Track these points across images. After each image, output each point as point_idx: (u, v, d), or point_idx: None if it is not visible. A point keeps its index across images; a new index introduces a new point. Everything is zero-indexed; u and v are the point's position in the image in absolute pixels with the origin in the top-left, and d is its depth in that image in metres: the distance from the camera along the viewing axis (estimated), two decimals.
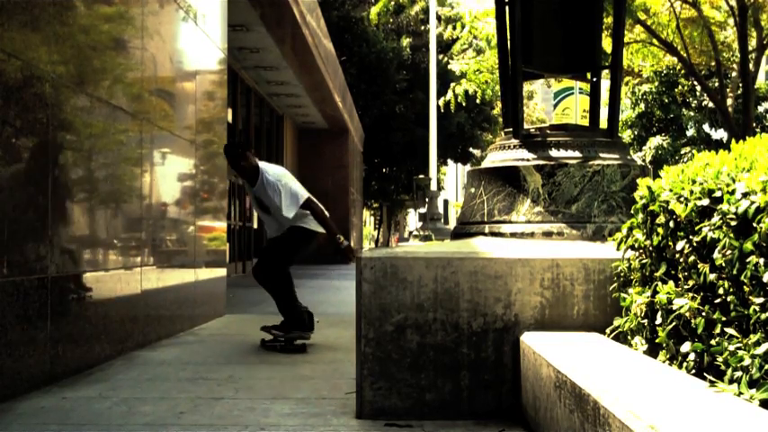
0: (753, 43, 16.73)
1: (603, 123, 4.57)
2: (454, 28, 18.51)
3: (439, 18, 27.30)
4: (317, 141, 21.75)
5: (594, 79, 4.50)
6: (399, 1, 14.42)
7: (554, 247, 3.45)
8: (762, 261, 2.03)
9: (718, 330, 2.21)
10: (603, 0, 4.97)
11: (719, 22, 17.81)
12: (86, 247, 4.56)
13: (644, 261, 2.78)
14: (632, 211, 2.89)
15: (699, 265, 2.34)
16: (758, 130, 18.83)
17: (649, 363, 2.40)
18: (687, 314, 2.33)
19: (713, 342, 2.21)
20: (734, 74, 19.99)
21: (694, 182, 2.45)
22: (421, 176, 23.83)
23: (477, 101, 18.33)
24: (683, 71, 21.01)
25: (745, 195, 2.15)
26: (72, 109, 4.29)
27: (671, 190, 2.56)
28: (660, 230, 2.61)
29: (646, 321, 2.67)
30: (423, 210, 22.42)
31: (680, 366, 2.36)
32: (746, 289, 2.10)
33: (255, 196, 5.37)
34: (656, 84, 23.10)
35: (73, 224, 4.38)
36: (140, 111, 5.34)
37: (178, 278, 6.23)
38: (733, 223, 2.17)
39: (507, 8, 4.28)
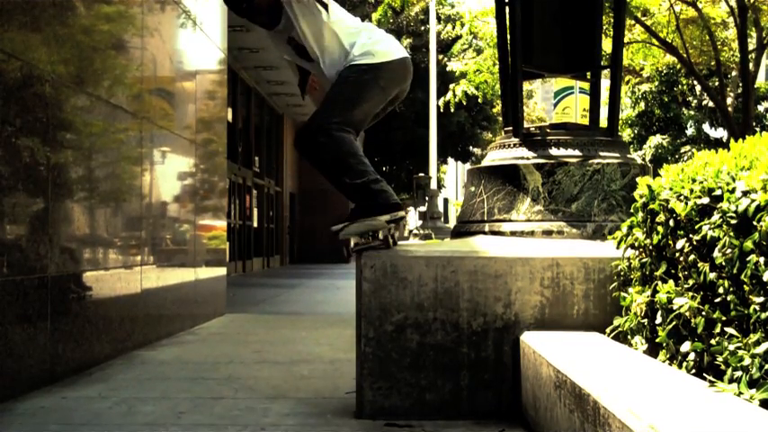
0: (753, 42, 16.73)
1: (603, 122, 4.57)
2: (453, 27, 18.52)
3: (439, 18, 27.28)
4: None
5: (594, 79, 4.51)
6: (396, 5, 14.42)
7: (554, 245, 3.45)
8: (762, 260, 2.03)
9: (718, 330, 2.21)
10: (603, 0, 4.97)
11: (719, 21, 17.81)
12: (86, 246, 4.56)
13: (644, 260, 2.77)
14: (632, 210, 2.89)
15: (699, 264, 2.34)
16: (758, 129, 18.83)
17: (649, 362, 2.40)
18: (687, 313, 2.33)
19: (713, 341, 2.20)
20: (734, 73, 19.99)
21: (694, 180, 2.45)
22: (421, 175, 23.82)
23: (480, 100, 18.34)
24: (683, 70, 21.01)
25: (745, 194, 2.14)
26: (72, 108, 4.29)
27: (671, 189, 2.56)
28: (660, 229, 2.61)
29: (646, 321, 2.67)
30: (423, 208, 22.43)
31: (680, 366, 2.36)
32: (746, 288, 2.09)
33: (291, 42, 3.54)
34: (656, 83, 23.13)
35: (73, 223, 4.37)
36: (140, 110, 5.34)
37: (178, 277, 6.23)
38: (733, 222, 2.17)
39: (507, 8, 4.28)
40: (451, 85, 17.60)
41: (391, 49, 3.51)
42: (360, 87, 3.41)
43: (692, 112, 23.90)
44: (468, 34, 18.24)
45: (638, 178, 2.95)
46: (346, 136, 3.34)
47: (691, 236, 2.40)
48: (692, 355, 2.29)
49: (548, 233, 3.72)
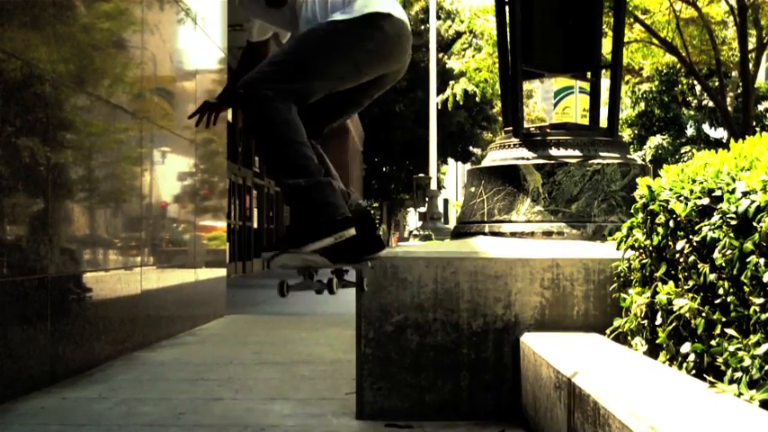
0: (753, 42, 16.73)
1: (603, 122, 4.57)
2: (452, 21, 18.54)
3: (438, 16, 27.28)
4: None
5: (594, 78, 4.50)
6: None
7: (554, 246, 3.45)
8: (762, 261, 2.02)
9: (718, 331, 2.20)
10: None
11: (719, 21, 17.81)
12: (86, 246, 4.56)
13: (644, 261, 2.77)
14: (632, 211, 2.89)
15: (699, 265, 2.34)
16: (758, 129, 18.83)
17: (649, 363, 2.40)
18: (687, 314, 2.33)
19: (713, 342, 2.20)
20: (734, 73, 19.99)
21: (694, 181, 2.45)
22: (421, 175, 23.82)
23: (477, 99, 18.35)
24: (682, 70, 21.02)
25: (745, 195, 2.14)
26: (72, 108, 4.29)
27: (671, 189, 2.56)
28: (660, 230, 2.61)
29: (646, 322, 2.67)
30: (423, 209, 22.41)
31: (680, 367, 2.35)
32: (747, 289, 2.09)
33: None
34: (656, 83, 23.13)
35: (73, 224, 4.37)
36: (140, 110, 5.34)
37: (178, 278, 6.23)
38: (733, 223, 2.16)
39: (507, 7, 4.28)
40: (451, 83, 17.61)
41: (390, 7, 2.61)
42: (327, 51, 2.53)
43: (692, 112, 23.90)
44: (466, 30, 18.25)
45: (638, 179, 2.95)
46: (283, 109, 2.44)
47: (691, 237, 2.40)
48: (692, 356, 2.29)
49: (548, 234, 3.72)
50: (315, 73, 2.54)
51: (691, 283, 2.40)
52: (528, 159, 3.95)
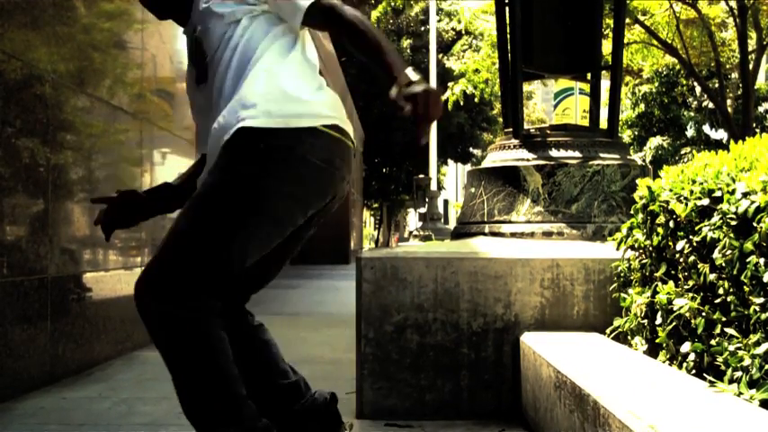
0: (753, 44, 16.73)
1: (604, 123, 4.57)
2: (450, 20, 18.55)
3: (438, 14, 27.28)
4: None
5: (594, 80, 4.51)
6: (398, 4, 14.49)
7: (554, 247, 3.45)
8: (762, 261, 2.03)
9: (718, 330, 2.21)
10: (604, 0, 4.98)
11: (719, 22, 17.82)
12: (86, 247, 4.56)
13: (644, 261, 2.78)
14: (632, 211, 2.89)
15: (699, 266, 2.34)
16: (758, 130, 18.84)
17: (649, 363, 2.40)
18: (687, 314, 2.33)
19: (713, 342, 2.21)
20: (734, 74, 20.00)
21: (694, 182, 2.45)
22: (421, 176, 23.84)
23: (476, 100, 18.36)
24: (682, 71, 21.04)
25: (745, 195, 2.15)
26: (72, 109, 4.29)
27: (671, 190, 2.56)
28: (660, 230, 2.61)
29: (646, 321, 2.67)
30: (423, 210, 22.42)
31: (680, 366, 2.36)
32: (746, 289, 2.10)
33: (191, 44, 2.23)
34: (656, 84, 23.15)
35: (73, 224, 4.38)
36: (140, 111, 5.34)
37: None
38: (733, 223, 2.17)
39: (507, 8, 4.28)
40: (450, 84, 17.63)
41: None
42: (242, 210, 1.99)
43: (691, 114, 23.93)
44: (463, 31, 18.28)
45: (638, 179, 2.95)
46: (217, 322, 1.97)
47: (691, 237, 2.40)
48: (692, 356, 2.30)
49: (548, 234, 3.73)
50: (240, 239, 1.99)
51: (691, 282, 2.40)
52: (528, 160, 3.96)
